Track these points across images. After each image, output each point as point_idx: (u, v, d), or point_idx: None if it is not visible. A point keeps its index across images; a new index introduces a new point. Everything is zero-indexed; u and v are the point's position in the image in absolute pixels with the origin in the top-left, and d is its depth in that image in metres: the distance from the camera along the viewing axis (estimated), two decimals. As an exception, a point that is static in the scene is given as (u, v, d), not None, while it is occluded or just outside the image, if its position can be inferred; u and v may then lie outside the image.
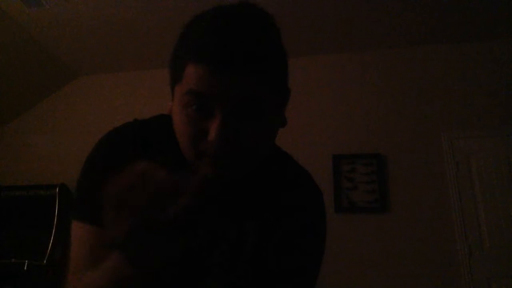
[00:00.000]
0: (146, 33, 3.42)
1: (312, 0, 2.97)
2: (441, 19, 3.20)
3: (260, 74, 0.53)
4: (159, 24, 3.23)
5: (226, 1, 0.58)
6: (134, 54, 3.81)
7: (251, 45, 0.52)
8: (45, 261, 3.16)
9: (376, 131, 3.42)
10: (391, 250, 3.07)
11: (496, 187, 3.10)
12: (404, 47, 3.58)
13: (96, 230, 0.58)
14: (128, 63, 3.97)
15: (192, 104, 0.53)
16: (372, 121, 3.46)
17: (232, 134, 0.52)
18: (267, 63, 0.54)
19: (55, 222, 3.28)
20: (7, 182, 3.68)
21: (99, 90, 4.12)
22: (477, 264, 2.96)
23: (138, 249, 0.42)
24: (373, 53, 3.63)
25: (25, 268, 3.09)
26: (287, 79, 0.62)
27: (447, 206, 3.12)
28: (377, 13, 3.13)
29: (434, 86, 3.45)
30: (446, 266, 2.99)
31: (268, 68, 0.54)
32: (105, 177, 0.61)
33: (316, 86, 3.65)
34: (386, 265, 3.04)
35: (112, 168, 0.60)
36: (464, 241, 3.01)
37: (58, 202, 3.36)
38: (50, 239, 3.23)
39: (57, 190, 3.40)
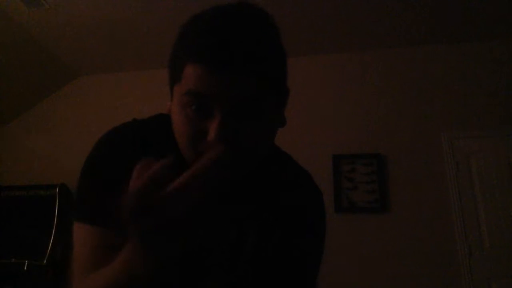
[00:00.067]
0: (146, 33, 3.42)
1: (312, 0, 2.97)
2: (441, 19, 3.20)
3: (259, 74, 0.53)
4: (159, 24, 3.23)
5: (225, 0, 0.58)
6: (134, 54, 3.81)
7: (250, 45, 0.52)
8: (45, 261, 3.16)
9: (376, 131, 3.42)
10: (391, 250, 3.07)
11: (496, 187, 3.10)
12: (404, 47, 3.58)
13: (98, 230, 0.58)
14: (128, 63, 3.97)
15: (191, 104, 0.53)
16: (372, 121, 3.46)
17: (231, 134, 0.52)
18: (266, 63, 0.54)
19: (55, 222, 3.28)
20: (7, 182, 3.68)
21: (99, 90, 4.12)
22: (477, 264, 2.96)
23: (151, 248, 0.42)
24: (373, 53, 3.63)
25: (25, 268, 3.09)
26: (286, 79, 0.62)
27: (447, 206, 3.12)
28: (377, 13, 3.13)
29: (434, 86, 3.45)
30: (446, 266, 2.99)
31: (267, 68, 0.54)
32: (105, 177, 0.61)
33: (316, 86, 3.65)
34: (386, 265, 3.04)
35: (112, 168, 0.61)
36: (464, 241, 3.01)
37: (58, 202, 3.36)
38: (50, 239, 3.23)
39: (57, 190, 3.40)
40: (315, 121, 3.54)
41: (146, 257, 0.43)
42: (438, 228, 3.08)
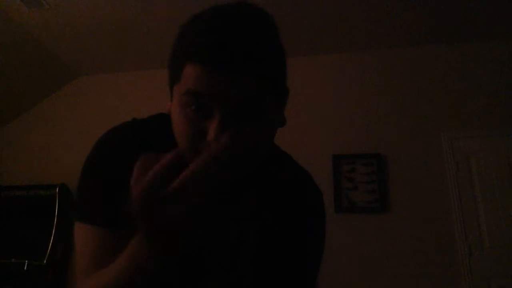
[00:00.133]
0: (146, 33, 3.42)
1: (312, 0, 2.98)
2: (441, 19, 3.20)
3: (259, 74, 0.53)
4: (159, 24, 3.23)
5: (225, 0, 0.58)
6: (134, 54, 3.81)
7: (249, 45, 0.52)
8: (45, 261, 3.16)
9: (376, 131, 3.42)
10: (391, 250, 3.07)
11: (496, 187, 3.10)
12: (404, 47, 3.58)
13: (99, 230, 0.58)
14: (128, 63, 3.98)
15: (190, 104, 0.53)
16: (372, 121, 3.46)
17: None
18: (266, 62, 0.54)
19: (55, 222, 3.29)
20: (7, 182, 3.68)
21: (99, 90, 4.12)
22: (477, 264, 2.96)
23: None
24: (373, 53, 3.63)
25: (25, 268, 3.10)
26: (286, 78, 0.62)
27: (447, 206, 3.12)
28: (377, 13, 3.13)
29: (434, 86, 3.45)
30: (446, 266, 2.99)
31: (267, 68, 0.54)
32: (105, 177, 0.61)
33: (316, 86, 3.65)
34: (386, 265, 3.04)
35: (113, 167, 0.61)
36: (464, 241, 3.01)
37: (58, 202, 3.36)
38: (50, 239, 3.23)
39: (57, 190, 3.40)
40: (315, 121, 3.54)
41: (153, 252, 0.43)
42: (438, 228, 3.08)
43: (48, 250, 3.20)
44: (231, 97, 0.51)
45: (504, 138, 3.20)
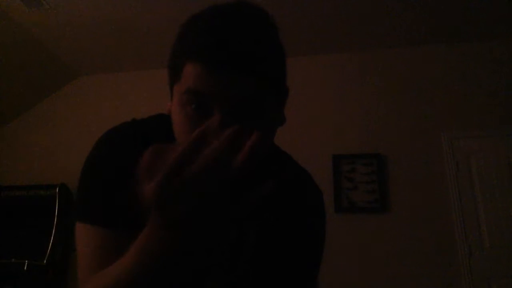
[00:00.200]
0: (146, 33, 3.42)
1: (312, 0, 2.97)
2: (441, 19, 3.20)
3: (259, 73, 0.53)
4: (159, 24, 3.23)
5: (225, 0, 0.58)
6: (134, 54, 3.81)
7: (249, 44, 0.52)
8: (45, 261, 3.16)
9: (376, 131, 3.42)
10: (391, 250, 3.07)
11: (496, 187, 3.10)
12: (404, 47, 3.58)
13: (101, 230, 0.58)
14: (128, 63, 3.97)
15: (191, 103, 0.53)
16: (372, 121, 3.46)
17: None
18: (265, 62, 0.54)
19: (55, 222, 3.29)
20: (7, 182, 3.68)
21: (99, 90, 4.12)
22: (477, 264, 2.96)
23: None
24: (373, 53, 3.63)
25: (25, 268, 3.10)
26: (286, 78, 0.62)
27: (447, 206, 3.12)
28: (377, 13, 3.13)
29: (434, 86, 3.45)
30: (446, 266, 2.99)
31: (267, 68, 0.54)
32: (106, 177, 0.61)
33: (316, 86, 3.65)
34: (386, 265, 3.04)
35: (113, 167, 0.61)
36: (464, 241, 3.01)
37: (58, 202, 3.36)
38: (50, 239, 3.23)
39: (57, 190, 3.40)
40: (315, 121, 3.54)
41: (165, 246, 0.42)
42: (438, 228, 3.08)
43: (48, 250, 3.20)
44: (231, 97, 0.51)
45: (504, 138, 3.20)
